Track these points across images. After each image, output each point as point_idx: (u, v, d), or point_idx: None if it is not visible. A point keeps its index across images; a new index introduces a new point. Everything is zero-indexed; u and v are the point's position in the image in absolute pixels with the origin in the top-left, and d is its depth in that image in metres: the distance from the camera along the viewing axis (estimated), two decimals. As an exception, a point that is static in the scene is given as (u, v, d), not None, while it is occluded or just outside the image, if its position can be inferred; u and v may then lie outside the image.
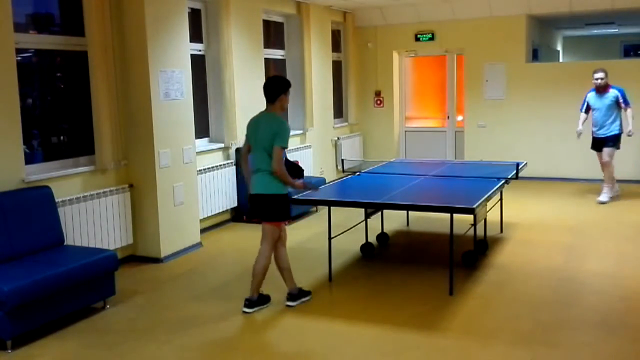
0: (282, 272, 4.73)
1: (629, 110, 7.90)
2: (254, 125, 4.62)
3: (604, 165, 8.12)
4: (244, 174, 4.79)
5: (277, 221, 4.59)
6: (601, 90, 7.97)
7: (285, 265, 4.71)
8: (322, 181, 5.00)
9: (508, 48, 9.85)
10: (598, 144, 8.12)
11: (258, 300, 4.66)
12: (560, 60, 14.87)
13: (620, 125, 8.00)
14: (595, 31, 14.47)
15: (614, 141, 8.02)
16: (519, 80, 9.87)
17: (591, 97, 8.10)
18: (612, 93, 7.93)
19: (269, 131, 4.46)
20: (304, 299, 4.76)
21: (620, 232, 6.68)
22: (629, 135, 7.92)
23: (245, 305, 4.62)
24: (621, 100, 7.90)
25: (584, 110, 8.20)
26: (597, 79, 7.95)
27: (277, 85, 4.58)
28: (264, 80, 8.02)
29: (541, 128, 9.69)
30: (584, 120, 8.19)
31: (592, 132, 8.16)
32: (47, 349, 4.12)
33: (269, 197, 4.51)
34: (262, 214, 4.58)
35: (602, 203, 8.05)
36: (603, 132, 8.03)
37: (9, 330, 4.03)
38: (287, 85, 4.61)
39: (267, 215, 4.57)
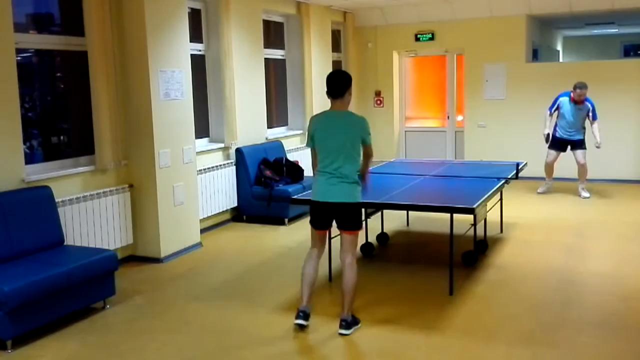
0: (312, 285, 4.39)
1: (596, 123, 8.25)
2: (324, 125, 4.23)
3: (583, 167, 8.44)
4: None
5: (359, 229, 4.35)
6: (580, 102, 8.28)
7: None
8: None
9: (508, 48, 9.85)
10: (564, 144, 8.47)
11: (353, 320, 4.30)
12: (560, 60, 14.87)
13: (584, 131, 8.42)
14: (595, 31, 14.48)
15: (584, 144, 8.40)
16: (519, 80, 9.87)
17: (566, 103, 8.35)
18: (587, 106, 8.29)
19: (351, 131, 4.16)
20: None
21: (620, 232, 6.68)
22: (598, 147, 8.24)
23: (342, 327, 4.22)
24: (591, 115, 8.29)
25: (553, 111, 8.45)
26: (581, 95, 8.20)
27: (345, 79, 4.18)
28: (264, 81, 8.20)
29: (541, 128, 9.67)
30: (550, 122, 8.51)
31: (559, 133, 8.45)
32: (47, 349, 4.12)
33: (354, 205, 4.24)
34: (345, 224, 4.25)
35: (587, 198, 8.43)
36: (574, 136, 8.40)
37: (9, 330, 4.03)
38: (351, 78, 4.27)
39: (350, 225, 4.25)
